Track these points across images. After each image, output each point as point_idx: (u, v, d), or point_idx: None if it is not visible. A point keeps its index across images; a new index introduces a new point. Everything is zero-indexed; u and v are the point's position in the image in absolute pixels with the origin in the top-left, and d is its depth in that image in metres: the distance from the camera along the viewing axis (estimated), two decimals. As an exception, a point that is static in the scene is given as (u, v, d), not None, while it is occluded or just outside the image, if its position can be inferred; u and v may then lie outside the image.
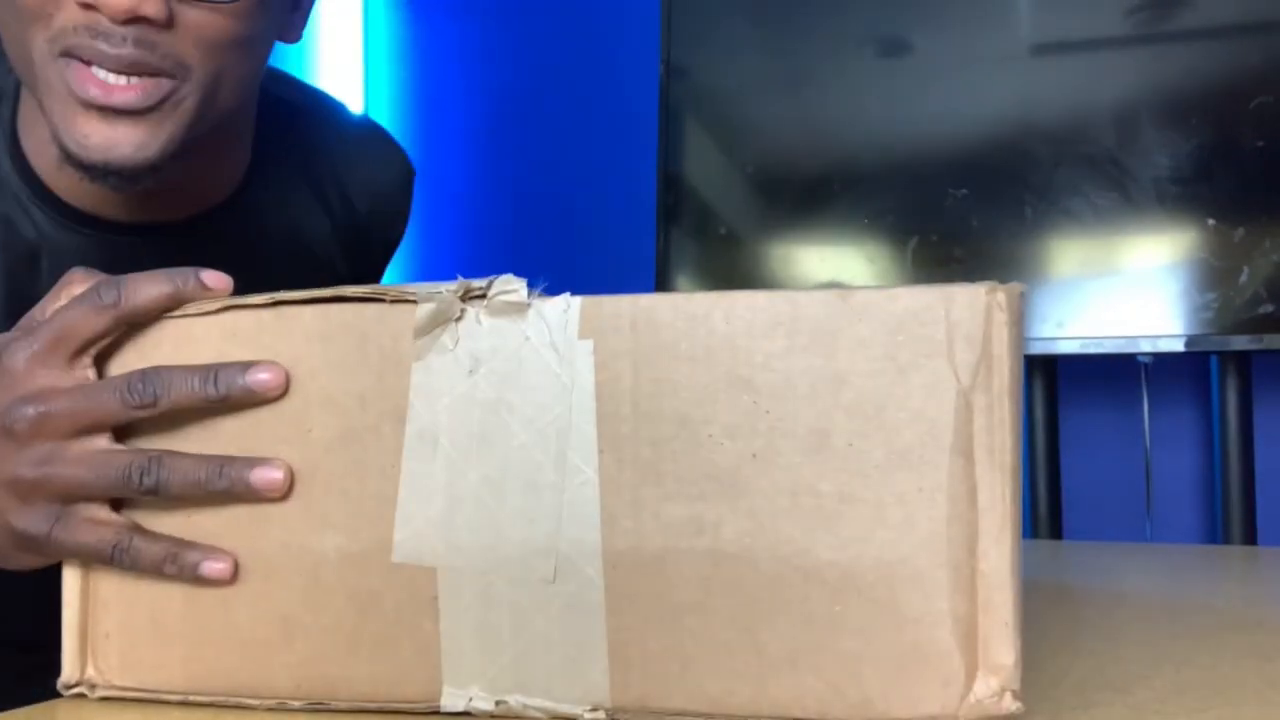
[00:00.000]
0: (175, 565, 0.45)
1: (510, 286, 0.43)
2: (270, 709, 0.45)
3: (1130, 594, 0.71)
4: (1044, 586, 0.74)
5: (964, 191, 1.42)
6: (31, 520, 0.47)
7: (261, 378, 0.44)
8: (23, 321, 0.49)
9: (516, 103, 1.92)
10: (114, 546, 0.45)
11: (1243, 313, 1.28)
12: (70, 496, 0.46)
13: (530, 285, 0.43)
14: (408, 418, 0.43)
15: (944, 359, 0.40)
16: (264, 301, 0.45)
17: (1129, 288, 1.34)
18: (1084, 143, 1.36)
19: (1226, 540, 1.38)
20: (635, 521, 0.42)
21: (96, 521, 0.46)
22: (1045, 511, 1.46)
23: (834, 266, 1.48)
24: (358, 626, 0.44)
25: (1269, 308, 1.27)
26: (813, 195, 1.51)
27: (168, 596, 0.46)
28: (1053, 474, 1.46)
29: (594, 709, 0.42)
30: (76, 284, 0.48)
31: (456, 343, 0.43)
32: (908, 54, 1.48)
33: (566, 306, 0.42)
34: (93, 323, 0.46)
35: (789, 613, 0.41)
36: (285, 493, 0.45)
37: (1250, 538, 1.37)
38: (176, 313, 0.46)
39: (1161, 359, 1.43)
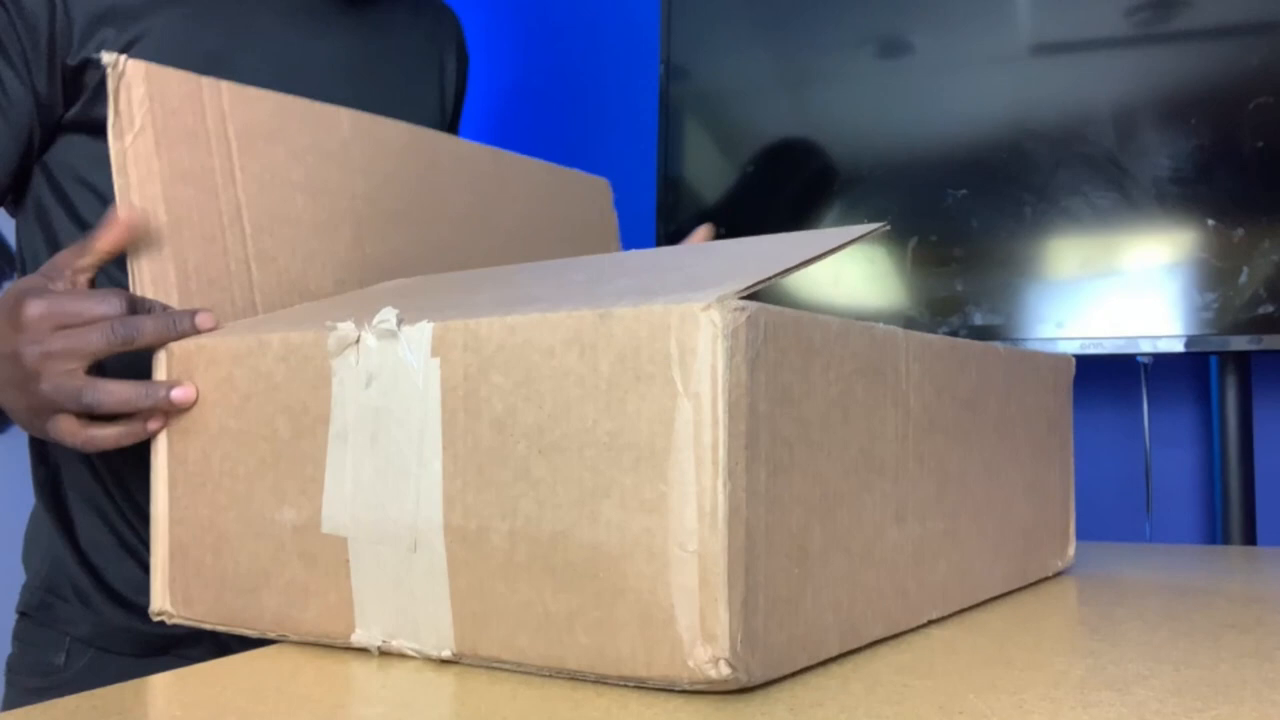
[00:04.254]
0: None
1: (386, 317, 0.54)
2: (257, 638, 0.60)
3: (1130, 594, 0.71)
4: (1045, 586, 0.74)
5: (963, 192, 1.42)
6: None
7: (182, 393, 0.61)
8: (47, 271, 0.64)
9: (516, 103, 1.92)
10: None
11: (1243, 313, 1.28)
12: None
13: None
14: (330, 420, 0.56)
15: (673, 369, 0.45)
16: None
17: (1129, 288, 1.34)
18: (1083, 143, 1.36)
19: (1226, 540, 1.38)
20: (464, 505, 0.51)
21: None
22: (1045, 511, 1.45)
23: (833, 267, 1.48)
24: (306, 580, 0.57)
25: (1269, 308, 1.27)
26: (812, 195, 1.51)
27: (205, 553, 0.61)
28: (1053, 474, 1.46)
29: (445, 652, 0.52)
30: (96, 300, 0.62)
31: (357, 361, 0.55)
32: (908, 54, 1.48)
33: (421, 331, 0.52)
34: (100, 348, 0.61)
35: (565, 582, 0.48)
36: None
37: (1250, 538, 1.37)
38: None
39: (1161, 359, 1.43)
